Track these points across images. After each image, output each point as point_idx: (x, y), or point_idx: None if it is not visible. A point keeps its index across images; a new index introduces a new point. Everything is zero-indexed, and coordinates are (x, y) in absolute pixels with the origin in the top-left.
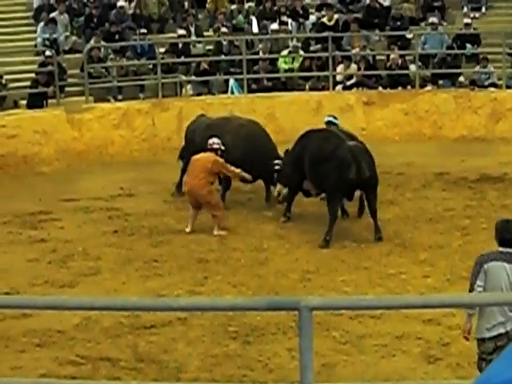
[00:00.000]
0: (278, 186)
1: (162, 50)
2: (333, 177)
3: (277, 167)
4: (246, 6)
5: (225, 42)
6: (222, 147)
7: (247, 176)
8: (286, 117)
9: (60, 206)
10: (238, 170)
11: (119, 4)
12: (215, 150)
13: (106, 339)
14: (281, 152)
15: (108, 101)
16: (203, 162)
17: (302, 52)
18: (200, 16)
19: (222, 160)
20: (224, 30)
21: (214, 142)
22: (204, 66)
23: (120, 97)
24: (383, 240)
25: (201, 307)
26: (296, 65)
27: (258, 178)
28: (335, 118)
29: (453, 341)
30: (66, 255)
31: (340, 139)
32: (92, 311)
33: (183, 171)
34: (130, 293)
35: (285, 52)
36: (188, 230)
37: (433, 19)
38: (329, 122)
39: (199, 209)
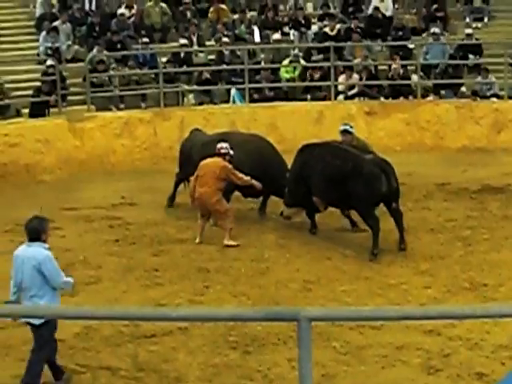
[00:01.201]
0: (283, 205)
1: (164, 59)
2: (364, 193)
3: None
4: (248, 15)
5: (226, 52)
6: (231, 152)
7: (257, 184)
8: (288, 126)
9: (61, 215)
10: (247, 178)
11: (119, 11)
12: (223, 155)
13: (105, 348)
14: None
15: (110, 110)
16: (211, 168)
17: (303, 61)
18: (202, 25)
19: (230, 166)
20: (226, 39)
21: (223, 146)
22: (206, 75)
23: (122, 106)
24: (405, 250)
25: (200, 317)
26: (297, 74)
27: (268, 193)
28: (351, 126)
29: (453, 352)
30: (66, 264)
31: (355, 153)
32: (92, 320)
33: (177, 185)
34: (131, 302)
35: (286, 61)
36: (197, 240)
37: (435, 29)
38: (344, 131)
39: (208, 219)
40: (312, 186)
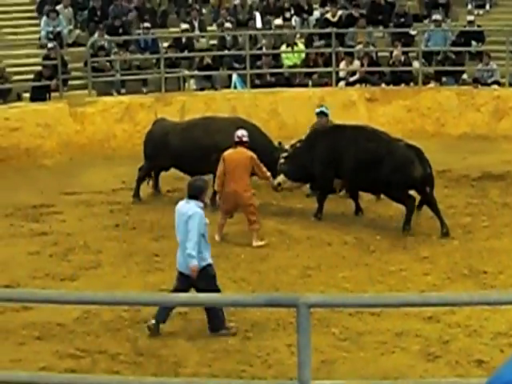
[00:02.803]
0: (281, 177)
1: (166, 44)
2: (397, 178)
3: (282, 160)
4: (250, 1)
5: (228, 37)
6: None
7: (271, 179)
8: (289, 112)
9: (62, 199)
10: (268, 174)
11: None
12: (245, 143)
13: (105, 333)
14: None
15: (111, 94)
16: (243, 161)
17: (302, 46)
18: (204, 11)
19: (255, 156)
20: (228, 25)
21: (244, 134)
22: (207, 60)
23: (123, 91)
24: (449, 235)
25: (201, 302)
26: (300, 61)
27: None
28: (327, 108)
29: (452, 338)
30: (67, 248)
31: (387, 138)
32: (92, 305)
33: (156, 176)
34: (131, 287)
35: (283, 47)
36: (218, 239)
37: (436, 16)
38: (321, 113)
39: (230, 217)
40: (341, 169)
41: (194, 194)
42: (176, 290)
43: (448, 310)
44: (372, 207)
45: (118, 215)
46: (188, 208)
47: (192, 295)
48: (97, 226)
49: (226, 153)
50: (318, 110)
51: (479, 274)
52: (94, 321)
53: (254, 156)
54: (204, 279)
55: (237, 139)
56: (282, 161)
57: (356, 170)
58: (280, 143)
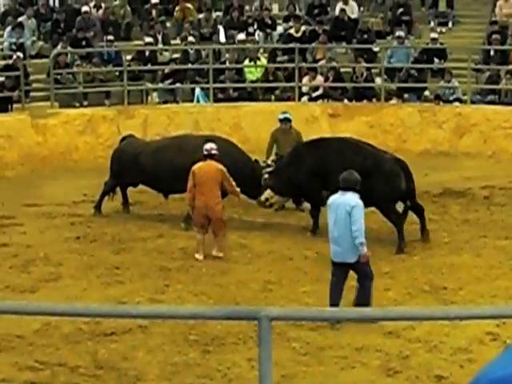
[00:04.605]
0: (267, 192)
1: (129, 57)
2: (385, 190)
3: (267, 175)
4: (214, 15)
5: (192, 51)
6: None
7: (240, 196)
8: (251, 127)
9: (23, 211)
10: (237, 189)
11: (84, 9)
12: (213, 156)
13: (65, 345)
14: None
15: (73, 107)
16: (212, 174)
17: (265, 61)
18: (167, 24)
19: (225, 169)
20: (191, 38)
21: (212, 147)
22: (167, 70)
23: (85, 103)
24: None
25: (161, 315)
26: (260, 75)
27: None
28: (290, 114)
29: (412, 354)
30: (27, 260)
31: (373, 151)
32: (52, 317)
33: (106, 194)
34: (91, 299)
35: (246, 61)
36: (200, 257)
37: (399, 33)
38: (285, 119)
39: (206, 231)
40: (328, 182)
41: (351, 186)
42: (337, 281)
43: (408, 325)
44: None
45: (79, 227)
46: (348, 199)
47: (152, 308)
48: (57, 238)
49: (196, 166)
50: (281, 116)
51: (439, 290)
52: (53, 333)
53: (224, 169)
54: (367, 263)
55: (205, 152)
56: (266, 176)
57: None
58: (256, 160)
